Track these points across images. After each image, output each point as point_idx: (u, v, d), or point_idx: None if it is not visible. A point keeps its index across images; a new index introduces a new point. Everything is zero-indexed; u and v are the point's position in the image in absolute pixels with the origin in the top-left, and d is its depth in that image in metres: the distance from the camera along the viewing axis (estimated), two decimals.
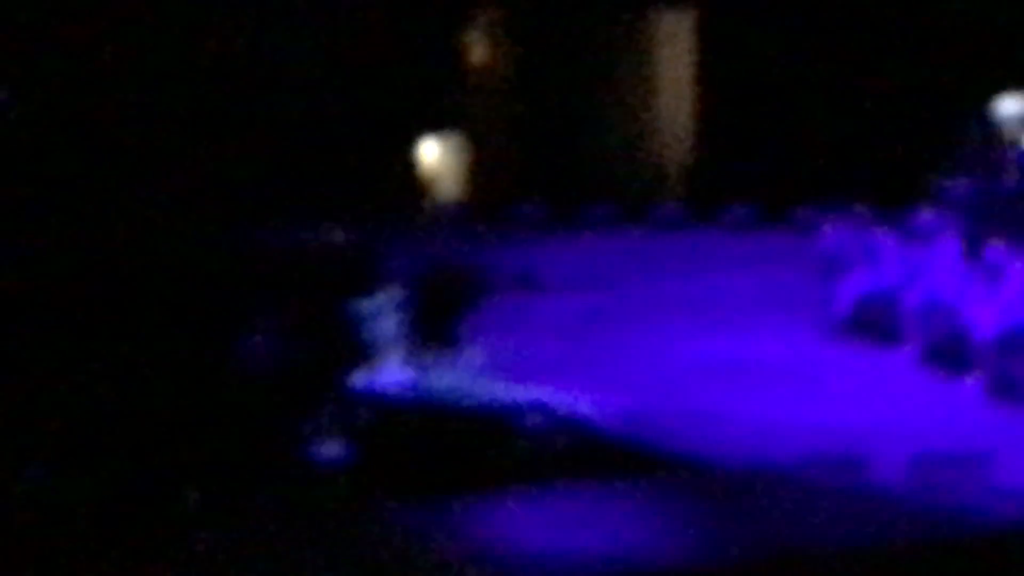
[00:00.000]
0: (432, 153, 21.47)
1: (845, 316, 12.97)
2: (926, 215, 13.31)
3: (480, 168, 21.73)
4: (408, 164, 21.20)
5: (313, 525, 7.56)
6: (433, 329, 13.41)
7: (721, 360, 12.15)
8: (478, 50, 21.83)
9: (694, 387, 11.29)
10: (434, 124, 21.47)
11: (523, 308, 14.68)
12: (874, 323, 12.88)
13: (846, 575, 6.74)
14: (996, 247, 12.33)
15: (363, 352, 12.07)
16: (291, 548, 6.99)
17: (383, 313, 11.96)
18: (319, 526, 7.48)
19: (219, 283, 14.83)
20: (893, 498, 8.07)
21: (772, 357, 12.29)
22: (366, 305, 12.04)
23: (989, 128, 16.10)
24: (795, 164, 19.23)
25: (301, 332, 13.87)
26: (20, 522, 8.30)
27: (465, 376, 12.51)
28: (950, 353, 11.63)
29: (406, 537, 6.89)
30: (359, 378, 12.09)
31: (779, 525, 7.30)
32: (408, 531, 7.00)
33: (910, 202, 14.90)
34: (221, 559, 6.91)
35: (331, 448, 10.43)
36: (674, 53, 21.17)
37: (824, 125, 19.54)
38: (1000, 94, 16.78)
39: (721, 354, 12.36)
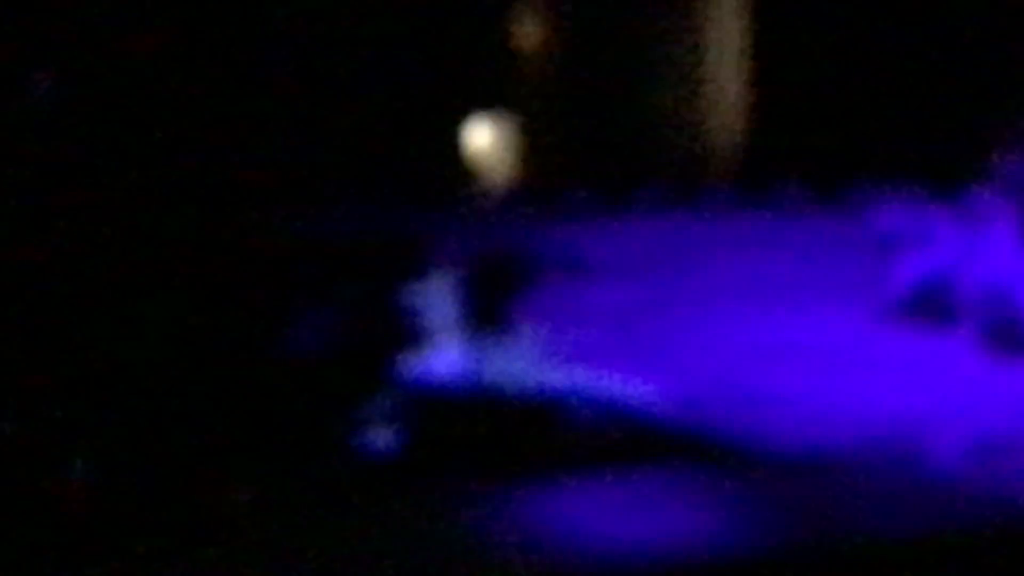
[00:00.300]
0: (482, 136, 21.44)
1: (900, 298, 12.87)
2: (983, 194, 13.17)
3: (530, 150, 21.68)
4: (458, 147, 21.17)
5: (363, 513, 7.56)
6: (484, 315, 13.37)
7: (774, 344, 12.06)
8: (526, 29, 21.76)
9: (747, 372, 11.21)
10: (483, 106, 21.44)
11: (574, 293, 14.62)
12: (930, 305, 12.77)
13: (902, 564, 6.67)
14: None
15: (414, 338, 12.05)
16: (341, 537, 6.98)
17: (434, 299, 11.93)
18: (369, 514, 7.47)
19: (269, 268, 14.88)
20: (948, 483, 7.99)
21: (826, 341, 12.20)
22: (417, 291, 12.02)
23: None
24: (849, 143, 19.09)
25: (352, 318, 13.88)
26: (62, 518, 8.33)
27: (516, 362, 12.46)
28: (1008, 335, 11.52)
29: (457, 524, 6.87)
30: (410, 365, 12.07)
31: (834, 512, 7.24)
32: (459, 518, 6.98)
33: (967, 181, 14.74)
34: (270, 549, 6.91)
35: (381, 435, 10.42)
36: (724, 28, 21.05)
37: (879, 102, 19.39)
38: None
39: (774, 338, 12.27)
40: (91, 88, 12.49)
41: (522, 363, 12.36)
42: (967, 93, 18.11)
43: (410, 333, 12.03)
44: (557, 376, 11.76)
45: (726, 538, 6.75)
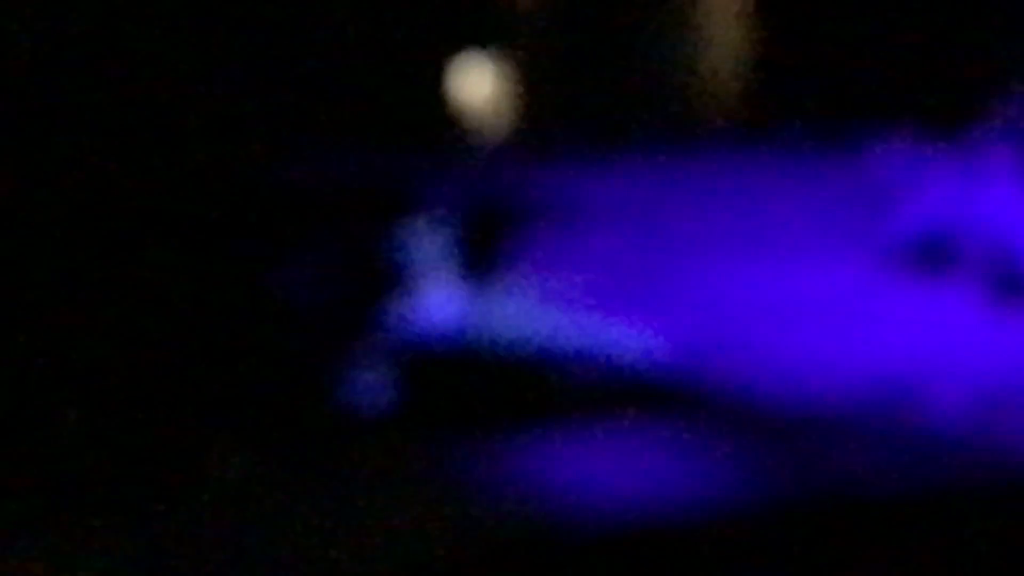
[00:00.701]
0: (475, 76, 21.29)
1: (901, 247, 12.76)
2: (985, 139, 13.04)
3: (524, 90, 21.51)
4: (450, 88, 21.03)
5: (354, 466, 7.47)
6: (477, 262, 13.26)
7: (772, 294, 11.95)
8: None
9: (744, 321, 11.10)
10: (477, 44, 21.28)
11: (569, 239, 14.49)
12: (931, 254, 12.66)
13: (903, 517, 6.59)
14: None
15: (405, 287, 11.93)
16: (334, 491, 6.91)
17: (425, 246, 11.81)
18: (360, 467, 7.38)
19: (256, 210, 14.76)
20: (950, 436, 7.92)
21: (826, 290, 12.09)
22: (408, 238, 11.90)
23: None
24: (850, 87, 18.94)
25: (342, 266, 13.79)
26: (53, 479, 8.25)
27: (510, 310, 12.36)
28: (1009, 284, 11.42)
29: (451, 476, 6.80)
30: (401, 314, 11.97)
31: (831, 465, 7.16)
32: (453, 469, 6.90)
33: (969, 125, 14.62)
34: (258, 504, 6.82)
35: (372, 386, 10.33)
36: None
37: (880, 43, 19.23)
38: None
39: (773, 287, 12.16)
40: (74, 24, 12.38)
41: (516, 311, 12.26)
42: (969, 33, 17.95)
43: (401, 281, 11.92)
44: (552, 325, 11.66)
45: (723, 492, 6.68)
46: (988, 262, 11.91)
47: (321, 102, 18.26)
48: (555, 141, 19.35)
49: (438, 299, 11.72)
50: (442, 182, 15.94)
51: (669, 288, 12.43)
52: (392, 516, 6.41)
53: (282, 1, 16.74)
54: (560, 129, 19.70)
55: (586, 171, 17.48)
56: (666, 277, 12.83)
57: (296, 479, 7.57)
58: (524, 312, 11.86)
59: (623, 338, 10.89)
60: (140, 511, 7.06)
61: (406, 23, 19.53)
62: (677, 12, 21.10)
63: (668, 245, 14.15)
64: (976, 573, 6.04)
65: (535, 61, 21.42)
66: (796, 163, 17.70)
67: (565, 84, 20.99)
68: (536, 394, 10.25)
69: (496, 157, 18.91)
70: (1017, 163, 12.69)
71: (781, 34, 19.73)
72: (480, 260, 13.26)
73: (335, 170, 16.01)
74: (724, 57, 21.16)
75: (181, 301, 10.71)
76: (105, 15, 12.71)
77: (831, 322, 11.22)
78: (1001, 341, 10.75)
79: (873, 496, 6.72)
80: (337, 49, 18.65)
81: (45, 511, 7.66)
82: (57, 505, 7.75)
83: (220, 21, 13.47)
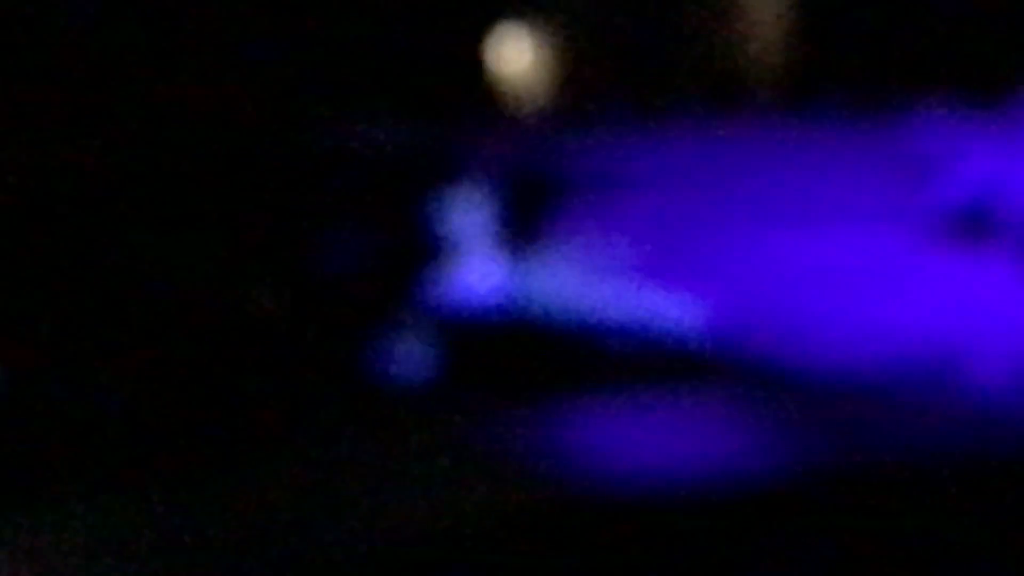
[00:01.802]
0: (515, 46, 21.22)
1: (942, 217, 12.66)
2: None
3: (564, 60, 21.43)
4: (490, 58, 20.99)
5: (395, 435, 7.46)
6: (519, 231, 13.23)
7: (813, 264, 11.88)
8: None
9: (787, 291, 11.05)
10: (516, 15, 21.19)
11: (610, 207, 14.44)
12: (972, 225, 12.56)
13: (939, 486, 6.54)
14: None
15: (446, 257, 11.92)
16: (370, 461, 6.89)
17: (468, 211, 11.80)
18: (400, 436, 7.37)
19: (294, 184, 14.76)
20: (988, 406, 7.87)
21: (865, 261, 12.02)
22: (450, 203, 11.89)
23: None
24: (890, 57, 18.80)
25: (383, 236, 13.77)
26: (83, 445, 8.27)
27: (552, 278, 12.34)
28: None
29: (491, 445, 6.77)
30: (443, 280, 11.97)
31: (873, 435, 7.12)
32: (494, 439, 6.88)
33: (1011, 101, 14.50)
34: (296, 473, 6.82)
35: (413, 356, 10.32)
36: None
37: (918, 15, 19.08)
38: None
39: (813, 258, 12.09)
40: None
41: (558, 281, 12.24)
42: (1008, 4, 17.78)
43: (442, 251, 11.91)
44: (593, 295, 11.63)
45: (765, 462, 6.64)
46: None
47: (361, 71, 18.20)
48: (596, 110, 19.29)
49: (480, 269, 11.71)
50: (484, 151, 15.91)
51: (711, 257, 12.37)
52: (430, 485, 6.39)
53: None
54: (601, 97, 19.63)
55: (627, 140, 17.42)
56: (708, 246, 12.77)
57: (335, 447, 7.57)
58: (566, 282, 11.84)
59: (665, 308, 10.86)
60: (178, 477, 7.07)
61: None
62: None
63: (710, 215, 14.09)
64: (1012, 543, 6.00)
65: (574, 31, 21.36)
66: (837, 134, 17.60)
67: (605, 52, 20.93)
68: (577, 364, 10.24)
69: (537, 126, 18.86)
70: None
71: (821, 3, 19.60)
72: (522, 229, 13.24)
73: (376, 140, 15.98)
74: (765, 27, 21.05)
75: (222, 271, 10.73)
76: None
77: (872, 292, 11.16)
78: None
79: (914, 466, 6.67)
80: (372, 14, 18.56)
81: (88, 483, 7.69)
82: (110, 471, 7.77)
83: None
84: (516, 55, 21.19)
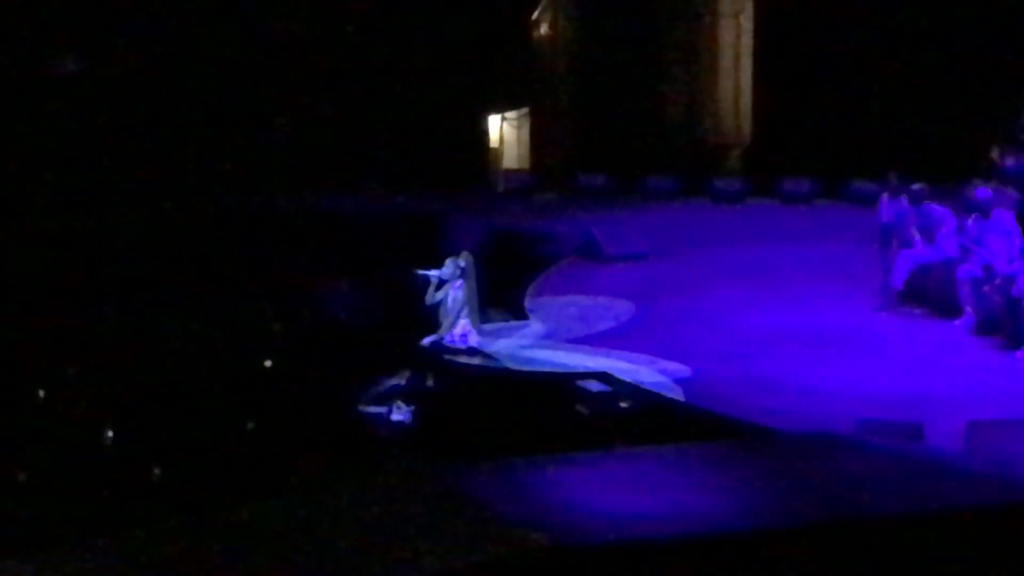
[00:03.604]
0: (500, 128, 21.36)
1: (901, 287, 12.76)
2: (981, 190, 13.04)
3: (546, 142, 21.58)
4: (477, 139, 21.11)
5: (376, 487, 7.42)
6: (499, 296, 13.25)
7: (780, 328, 11.93)
8: (544, 31, 21.68)
9: (754, 354, 11.07)
10: (502, 101, 21.35)
11: (585, 276, 14.51)
12: (930, 294, 12.66)
13: (902, 538, 6.57)
14: None
15: (432, 316, 11.93)
16: (353, 508, 6.85)
17: (451, 279, 11.80)
18: (382, 488, 7.34)
19: (293, 242, 14.72)
20: (948, 463, 7.88)
21: (830, 326, 12.08)
22: (435, 271, 11.89)
23: None
24: (852, 139, 18.99)
25: (372, 296, 13.80)
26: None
27: (530, 342, 12.36)
28: (1004, 324, 11.40)
29: (468, 498, 6.74)
30: (427, 342, 11.97)
31: (837, 490, 7.13)
32: (470, 493, 6.85)
33: (965, 177, 14.67)
34: (284, 519, 6.78)
35: (399, 410, 10.31)
36: (734, 32, 20.94)
37: (881, 102, 19.29)
38: None
39: (780, 323, 12.15)
40: None
41: (536, 343, 12.25)
42: (966, 93, 17.98)
43: (429, 312, 11.91)
44: (569, 356, 11.64)
45: (732, 514, 6.65)
46: (984, 303, 11.91)
47: (361, 150, 18.27)
48: (575, 187, 19.39)
49: (461, 331, 11.74)
50: (467, 219, 15.91)
51: (682, 324, 12.42)
52: (410, 534, 6.36)
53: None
54: (579, 176, 19.75)
55: (605, 215, 17.52)
56: (680, 314, 12.82)
57: (328, 498, 7.54)
58: (543, 345, 11.86)
59: (638, 370, 10.88)
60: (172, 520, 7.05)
61: (442, 85, 19.58)
62: (691, 69, 21.18)
63: (683, 282, 14.14)
64: None
65: (556, 115, 21.51)
66: (803, 209, 17.76)
67: (586, 136, 21.05)
68: (557, 422, 10.23)
69: (520, 201, 18.98)
70: (1012, 211, 12.69)
71: (791, 89, 19.78)
72: (502, 295, 13.29)
73: (370, 209, 15.97)
74: (737, 111, 21.22)
75: (210, 331, 10.76)
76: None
77: (837, 356, 11.22)
78: (995, 375, 10.75)
79: (875, 517, 6.69)
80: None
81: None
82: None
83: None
84: (501, 138, 21.29)
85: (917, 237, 12.84)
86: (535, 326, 12.59)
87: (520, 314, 13.05)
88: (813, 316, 12.45)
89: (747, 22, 20.77)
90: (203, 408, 10.32)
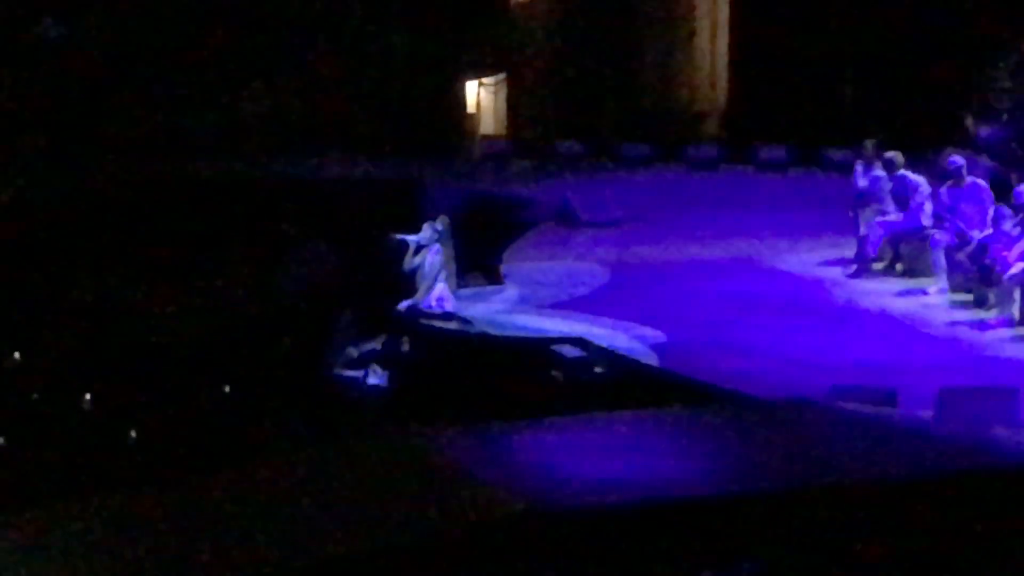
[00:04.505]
0: (477, 94, 21.29)
1: (875, 254, 12.77)
2: (954, 158, 13.04)
3: (523, 108, 21.50)
4: (456, 104, 21.03)
5: (351, 452, 7.40)
6: (475, 261, 13.22)
7: (755, 295, 11.94)
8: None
9: (729, 320, 11.07)
10: (479, 66, 21.26)
11: (561, 242, 14.48)
12: (904, 262, 12.68)
13: (875, 503, 6.58)
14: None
15: (409, 281, 11.89)
16: (330, 473, 6.83)
17: (428, 244, 11.76)
18: (357, 453, 7.31)
19: (270, 207, 14.66)
20: (921, 429, 7.90)
21: (804, 293, 12.10)
22: (412, 235, 11.85)
23: (1018, 73, 15.81)
24: (827, 107, 18.96)
25: (350, 261, 13.75)
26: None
27: (506, 307, 12.32)
28: (977, 292, 11.43)
29: (444, 463, 6.72)
30: (403, 306, 11.92)
31: (811, 455, 7.14)
32: (446, 458, 6.83)
33: (939, 145, 14.65)
34: (263, 483, 6.76)
35: (375, 374, 10.30)
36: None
37: (856, 70, 19.26)
38: None
39: (755, 289, 12.15)
40: None
41: (512, 308, 12.22)
42: (939, 60, 17.95)
43: (406, 276, 11.87)
44: (544, 321, 11.62)
45: (705, 479, 6.65)
46: (957, 268, 11.93)
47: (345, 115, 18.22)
48: (551, 153, 19.34)
49: (438, 296, 11.70)
50: (445, 187, 15.88)
51: (659, 285, 12.41)
52: (389, 501, 6.34)
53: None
54: (556, 142, 19.70)
55: (581, 180, 17.49)
56: (654, 279, 12.81)
57: (306, 462, 7.51)
58: (518, 310, 11.84)
59: (612, 336, 10.86)
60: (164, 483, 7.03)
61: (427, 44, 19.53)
62: (668, 36, 21.14)
63: (659, 245, 14.12)
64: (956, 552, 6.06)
65: (533, 81, 21.43)
66: (779, 176, 17.74)
67: (562, 102, 20.98)
68: (533, 386, 10.22)
69: (497, 167, 18.92)
70: (986, 178, 12.69)
71: (767, 54, 19.75)
72: (479, 260, 13.26)
73: (348, 175, 15.91)
74: (714, 79, 21.18)
75: (199, 297, 10.72)
76: None
77: (809, 322, 11.23)
78: (967, 340, 10.78)
79: (847, 482, 6.69)
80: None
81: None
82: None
83: None
84: (479, 103, 21.23)
85: (891, 205, 12.87)
86: (511, 291, 12.56)
87: (496, 279, 13.01)
88: (787, 283, 12.46)
89: None
90: (179, 373, 10.29)
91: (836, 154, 16.90)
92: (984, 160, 13.26)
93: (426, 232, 11.89)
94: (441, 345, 11.26)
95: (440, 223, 11.96)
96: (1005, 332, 10.77)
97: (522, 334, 11.21)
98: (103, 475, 8.07)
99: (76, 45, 19.14)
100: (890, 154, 13.15)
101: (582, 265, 13.46)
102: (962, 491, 6.51)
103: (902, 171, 12.94)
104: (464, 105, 21.17)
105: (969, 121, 15.87)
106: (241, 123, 19.67)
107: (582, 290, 12.50)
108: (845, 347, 10.46)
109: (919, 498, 6.42)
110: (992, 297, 11.21)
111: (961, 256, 11.78)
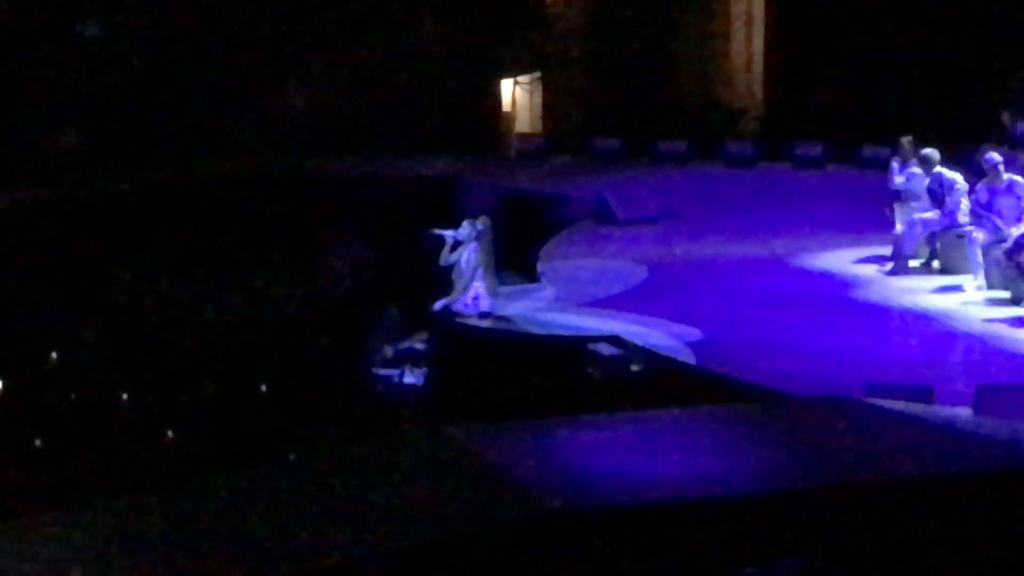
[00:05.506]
0: (513, 92, 21.28)
1: (912, 251, 12.72)
2: (991, 154, 12.96)
3: (559, 105, 21.48)
4: (492, 102, 21.03)
5: (388, 450, 7.40)
6: (512, 259, 13.19)
7: (791, 292, 11.90)
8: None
9: (765, 318, 11.03)
10: (514, 65, 21.25)
11: (598, 239, 14.45)
12: (941, 259, 12.62)
13: (911, 501, 6.55)
14: None
15: (446, 279, 11.89)
16: (365, 470, 6.83)
17: (466, 241, 11.75)
18: (394, 451, 7.31)
19: (308, 205, 14.67)
20: (957, 427, 7.85)
21: (841, 290, 12.05)
22: (450, 232, 11.83)
23: None
24: (864, 104, 18.88)
25: (388, 259, 13.77)
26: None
27: (543, 305, 12.30)
28: (1014, 288, 11.36)
29: (480, 461, 6.72)
30: (438, 306, 11.92)
31: (846, 452, 7.11)
32: (482, 455, 6.83)
33: (976, 141, 14.58)
34: (297, 481, 6.76)
35: (411, 373, 10.29)
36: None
37: (894, 67, 19.18)
38: None
39: (791, 286, 12.12)
40: None
41: (548, 305, 12.21)
42: (980, 58, 17.85)
43: (444, 274, 11.88)
44: (584, 318, 11.60)
45: (741, 476, 6.63)
46: (994, 265, 11.85)
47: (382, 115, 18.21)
48: (588, 150, 19.32)
49: (476, 293, 11.69)
50: (482, 185, 15.85)
51: (695, 283, 12.38)
52: (422, 497, 6.33)
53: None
54: (593, 139, 19.68)
55: (618, 177, 17.46)
56: (693, 272, 12.78)
57: (337, 461, 7.51)
58: (555, 308, 11.82)
59: (649, 333, 10.83)
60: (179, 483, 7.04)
61: (460, 49, 19.52)
62: (706, 34, 21.09)
63: (696, 242, 14.08)
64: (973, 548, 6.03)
65: (571, 79, 21.41)
66: (815, 173, 17.68)
67: (600, 100, 20.96)
68: (568, 384, 10.20)
69: (529, 155, 18.92)
70: (1020, 177, 12.62)
71: (805, 50, 19.68)
72: (518, 255, 13.24)
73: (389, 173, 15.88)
74: (752, 75, 21.12)
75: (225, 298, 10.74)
76: None
77: (846, 319, 11.18)
78: (1005, 337, 10.70)
79: (883, 479, 6.66)
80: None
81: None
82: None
83: None
84: (516, 101, 21.19)
85: (928, 202, 12.81)
86: (548, 289, 12.55)
87: (533, 278, 13.00)
88: (824, 280, 12.42)
89: None
90: (217, 370, 10.31)
91: (873, 151, 16.85)
92: (1021, 157, 13.17)
93: (465, 229, 11.88)
94: (477, 343, 11.26)
95: (481, 222, 11.94)
96: None
97: (559, 332, 11.19)
98: (142, 474, 8.09)
99: (116, 44, 19.23)
100: (927, 151, 13.10)
101: (618, 263, 13.44)
102: (1000, 488, 6.47)
103: (939, 168, 12.88)
104: (500, 103, 21.17)
105: (1006, 117, 15.79)
106: (280, 121, 19.73)
107: (618, 288, 12.48)
108: (882, 344, 10.41)
109: (957, 495, 6.39)
110: None
111: (998, 253, 11.71)
